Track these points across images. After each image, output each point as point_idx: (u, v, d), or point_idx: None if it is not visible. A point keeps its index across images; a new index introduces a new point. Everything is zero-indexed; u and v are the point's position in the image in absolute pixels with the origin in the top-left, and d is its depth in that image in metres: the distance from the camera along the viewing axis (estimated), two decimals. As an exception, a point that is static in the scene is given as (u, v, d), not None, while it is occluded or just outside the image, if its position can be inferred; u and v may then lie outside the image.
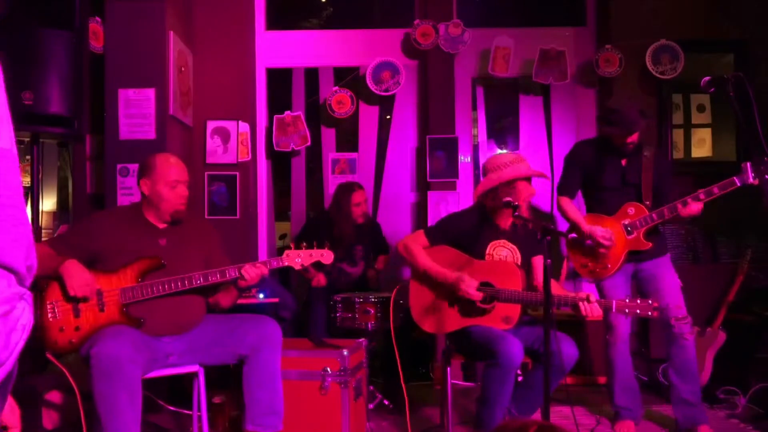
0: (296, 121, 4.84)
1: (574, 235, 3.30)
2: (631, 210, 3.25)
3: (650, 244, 3.22)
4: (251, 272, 2.70)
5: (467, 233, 3.04)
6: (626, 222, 3.24)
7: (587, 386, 4.17)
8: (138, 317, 2.65)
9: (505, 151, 5.25)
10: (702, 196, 3.06)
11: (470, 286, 2.87)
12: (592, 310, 2.74)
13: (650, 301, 2.71)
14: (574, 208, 3.39)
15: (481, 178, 3.09)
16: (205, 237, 2.93)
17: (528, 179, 2.98)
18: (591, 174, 3.36)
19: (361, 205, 4.30)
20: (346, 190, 4.34)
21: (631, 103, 3.32)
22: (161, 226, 2.84)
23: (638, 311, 2.71)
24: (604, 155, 3.33)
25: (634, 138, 3.22)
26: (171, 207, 2.78)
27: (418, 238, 3.08)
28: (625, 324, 3.30)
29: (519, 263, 3.02)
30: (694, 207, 3.08)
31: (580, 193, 3.49)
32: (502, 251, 3.04)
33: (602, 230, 3.21)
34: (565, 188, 3.44)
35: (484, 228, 3.05)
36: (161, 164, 2.78)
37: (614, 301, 2.74)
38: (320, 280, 4.16)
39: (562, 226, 3.79)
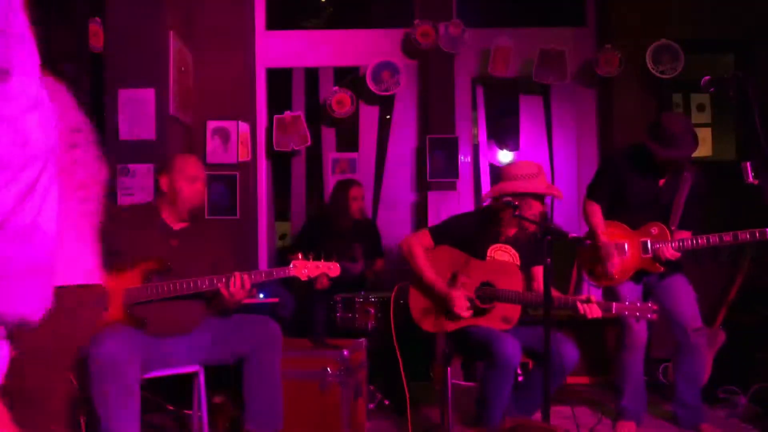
0: (296, 121, 4.84)
1: (589, 242, 3.22)
2: (654, 230, 3.19)
3: (662, 269, 3.18)
4: (236, 284, 2.68)
5: (470, 235, 3.05)
6: (646, 241, 3.19)
7: (599, 386, 4.17)
8: (141, 318, 2.65)
9: (505, 152, 5.25)
10: (727, 238, 3.02)
11: (460, 308, 2.89)
12: (591, 310, 2.74)
13: (650, 304, 2.71)
14: (599, 216, 3.31)
15: (499, 182, 3.06)
16: (217, 242, 2.95)
17: (542, 197, 2.97)
18: (623, 189, 3.26)
19: (358, 200, 4.31)
20: (344, 185, 4.37)
21: (684, 121, 3.12)
22: (176, 226, 2.84)
23: (638, 314, 2.71)
24: (641, 172, 3.22)
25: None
26: (189, 202, 2.81)
27: (423, 238, 3.08)
28: (644, 328, 3.24)
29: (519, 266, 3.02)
30: (664, 252, 3.09)
31: None
32: (503, 256, 3.04)
33: (617, 261, 3.17)
34: (593, 194, 3.36)
35: (486, 231, 3.05)
36: (180, 161, 2.86)
37: (614, 304, 2.74)
38: (323, 283, 4.16)
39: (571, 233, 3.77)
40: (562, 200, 4.89)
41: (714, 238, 3.05)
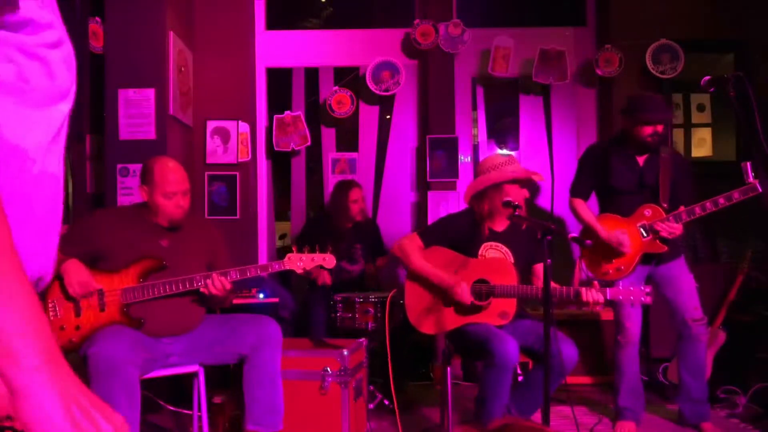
0: (296, 121, 4.84)
1: (590, 243, 3.23)
2: (647, 212, 3.20)
3: (666, 248, 3.18)
4: (215, 285, 2.67)
5: (461, 235, 3.04)
6: (643, 224, 3.19)
7: (598, 386, 4.17)
8: (138, 317, 2.65)
9: (503, 151, 5.25)
10: (722, 201, 3.02)
11: (464, 293, 2.89)
12: (594, 295, 2.73)
13: (642, 287, 2.71)
14: (588, 211, 3.34)
15: (476, 178, 3.09)
16: (209, 240, 2.93)
17: (519, 182, 2.96)
18: (605, 177, 3.30)
19: (358, 201, 4.31)
20: (344, 187, 4.36)
21: (652, 93, 3.28)
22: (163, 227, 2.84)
23: (632, 298, 2.71)
24: (619, 156, 3.27)
25: (658, 128, 3.17)
26: (167, 216, 2.78)
27: (413, 240, 3.07)
28: (637, 325, 3.26)
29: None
30: (666, 228, 3.09)
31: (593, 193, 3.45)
32: (494, 254, 3.03)
33: (618, 234, 3.16)
34: (577, 191, 3.39)
35: (477, 230, 3.05)
36: (159, 173, 2.75)
37: (608, 290, 2.74)
38: (325, 279, 4.16)
39: (568, 229, 3.76)
40: (562, 199, 4.89)
41: (709, 204, 3.04)
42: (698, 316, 3.24)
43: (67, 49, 0.81)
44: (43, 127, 0.78)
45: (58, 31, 0.79)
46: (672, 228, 3.10)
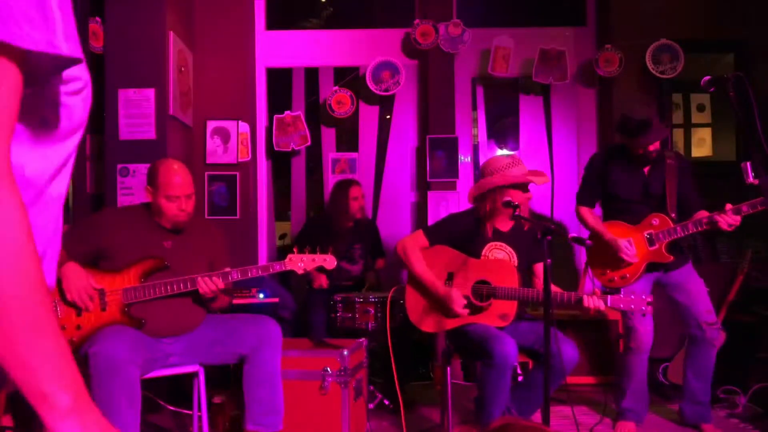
0: (296, 121, 4.84)
1: (590, 243, 3.20)
2: (655, 221, 3.19)
3: (672, 258, 3.17)
4: (206, 286, 2.67)
5: (465, 234, 3.04)
6: (649, 233, 3.18)
7: (599, 386, 4.16)
8: (139, 317, 2.65)
9: (504, 151, 5.25)
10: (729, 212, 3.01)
11: (458, 305, 2.89)
12: (595, 302, 2.73)
13: (643, 296, 2.70)
14: (595, 217, 3.34)
15: (479, 180, 3.09)
16: (211, 241, 2.94)
17: (521, 186, 2.95)
18: (611, 187, 3.29)
19: (358, 199, 4.31)
20: (344, 185, 4.37)
21: (645, 109, 3.18)
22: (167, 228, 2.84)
23: (632, 306, 2.70)
24: (624, 166, 3.26)
25: (656, 146, 3.17)
26: (170, 219, 2.78)
27: (418, 239, 3.07)
28: (649, 331, 3.23)
29: (515, 265, 3.01)
30: (727, 220, 3.02)
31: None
32: (499, 253, 3.03)
33: (625, 243, 3.16)
34: (583, 199, 3.39)
35: (481, 229, 3.05)
36: (163, 176, 2.74)
37: (609, 297, 2.73)
38: (322, 282, 4.16)
39: (571, 232, 3.75)
40: (562, 199, 4.89)
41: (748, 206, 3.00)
42: (712, 320, 3.23)
43: (87, 91, 0.90)
44: (56, 159, 0.87)
45: (82, 80, 0.87)
46: (732, 220, 3.04)
